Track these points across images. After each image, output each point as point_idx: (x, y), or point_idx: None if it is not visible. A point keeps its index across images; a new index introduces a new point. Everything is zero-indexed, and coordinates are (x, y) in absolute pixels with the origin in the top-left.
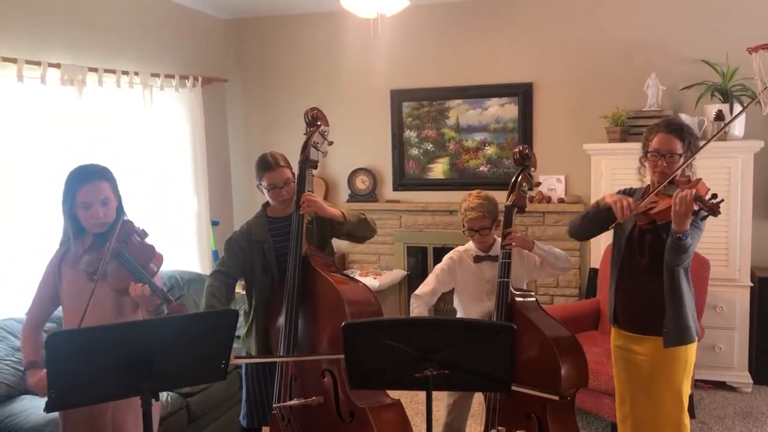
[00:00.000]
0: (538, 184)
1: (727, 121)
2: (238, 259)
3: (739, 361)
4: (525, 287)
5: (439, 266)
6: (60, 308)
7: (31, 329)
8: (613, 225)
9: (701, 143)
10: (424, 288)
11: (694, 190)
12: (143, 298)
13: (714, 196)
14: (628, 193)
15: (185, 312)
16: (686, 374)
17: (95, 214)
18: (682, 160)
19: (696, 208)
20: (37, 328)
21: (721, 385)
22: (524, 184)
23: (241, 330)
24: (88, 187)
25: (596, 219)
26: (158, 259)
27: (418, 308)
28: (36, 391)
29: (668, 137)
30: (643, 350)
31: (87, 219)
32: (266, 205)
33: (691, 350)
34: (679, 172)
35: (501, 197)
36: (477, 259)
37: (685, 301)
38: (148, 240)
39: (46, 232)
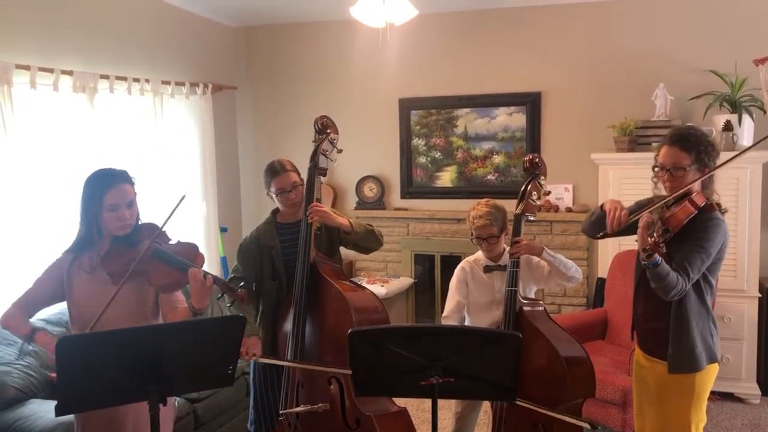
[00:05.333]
0: (548, 192)
1: (734, 132)
2: (250, 264)
3: (747, 373)
4: (533, 296)
5: (453, 281)
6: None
7: (20, 314)
8: (600, 236)
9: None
10: (449, 306)
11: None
12: (200, 289)
13: (665, 231)
14: (646, 204)
15: (249, 300)
16: (695, 404)
17: (122, 216)
18: (691, 171)
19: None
20: (24, 314)
21: (729, 397)
22: (534, 192)
23: None
24: (116, 189)
25: (597, 223)
26: (200, 259)
27: None
28: (46, 346)
29: (672, 150)
30: (653, 372)
31: (113, 221)
32: (276, 211)
33: (702, 379)
34: (695, 185)
35: (508, 206)
36: (487, 269)
37: (692, 326)
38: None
39: (58, 237)
